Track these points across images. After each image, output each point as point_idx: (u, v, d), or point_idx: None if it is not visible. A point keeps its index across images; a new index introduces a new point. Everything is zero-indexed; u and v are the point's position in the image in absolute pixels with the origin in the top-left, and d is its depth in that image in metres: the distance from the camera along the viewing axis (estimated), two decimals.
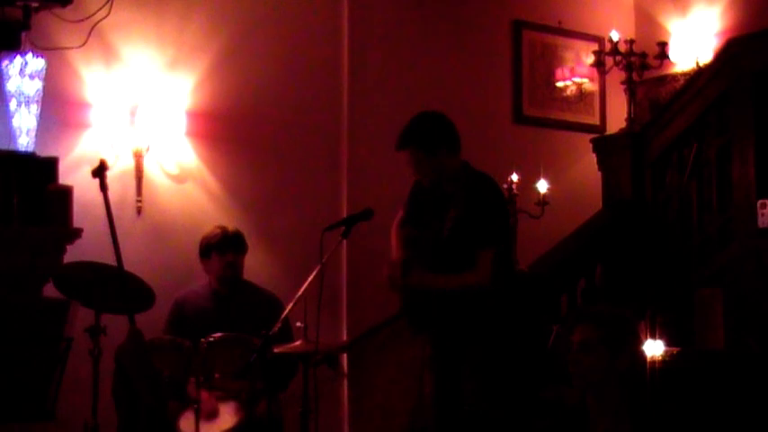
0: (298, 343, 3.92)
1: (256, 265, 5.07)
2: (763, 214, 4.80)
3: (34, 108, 4.74)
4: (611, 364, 3.00)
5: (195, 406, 4.01)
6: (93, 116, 5.13)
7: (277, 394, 4.38)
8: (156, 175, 5.29)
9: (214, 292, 4.75)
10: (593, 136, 6.18)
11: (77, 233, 4.71)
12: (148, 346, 3.99)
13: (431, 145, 4.00)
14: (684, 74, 6.43)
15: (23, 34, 4.74)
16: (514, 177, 5.67)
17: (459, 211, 3.98)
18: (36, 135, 4.76)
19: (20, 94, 4.70)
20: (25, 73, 4.69)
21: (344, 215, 5.41)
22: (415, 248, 4.07)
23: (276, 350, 3.86)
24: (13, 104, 4.71)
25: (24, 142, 4.72)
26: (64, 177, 4.77)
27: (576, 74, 6.64)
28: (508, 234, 4.12)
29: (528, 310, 4.27)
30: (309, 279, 3.86)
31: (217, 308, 4.69)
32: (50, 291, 4.25)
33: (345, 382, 5.66)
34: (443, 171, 4.04)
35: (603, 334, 3.02)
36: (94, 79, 5.14)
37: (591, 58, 6.40)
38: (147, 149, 5.17)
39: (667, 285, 5.24)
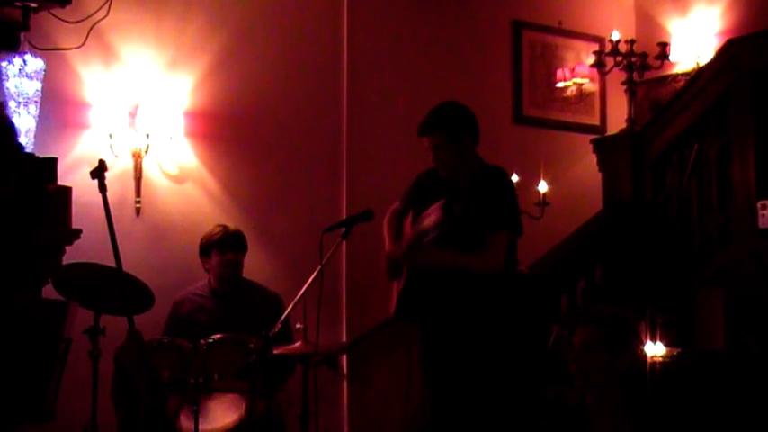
0: (297, 344, 3.92)
1: (256, 266, 5.06)
2: (763, 215, 4.80)
3: (33, 108, 4.73)
4: (611, 365, 3.00)
5: (194, 407, 4.01)
6: (93, 116, 5.13)
7: (277, 393, 4.38)
8: (155, 175, 5.28)
9: (214, 292, 4.75)
10: (593, 136, 6.18)
11: (76, 234, 4.70)
12: (148, 347, 3.98)
13: (454, 131, 3.99)
14: (685, 74, 6.43)
15: (22, 35, 4.74)
16: (515, 178, 5.65)
17: (464, 204, 3.95)
18: (35, 135, 4.75)
19: (19, 95, 4.69)
20: (24, 73, 4.68)
21: (344, 215, 5.41)
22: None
23: (276, 351, 3.86)
24: (12, 105, 4.70)
25: (23, 142, 4.71)
26: (63, 178, 4.76)
27: (576, 74, 6.63)
28: (519, 226, 4.07)
29: (528, 310, 4.24)
30: (309, 280, 3.85)
31: (217, 307, 4.70)
32: (50, 291, 4.24)
33: (345, 383, 5.65)
34: (463, 160, 4.01)
35: (604, 334, 3.02)
36: (93, 80, 5.13)
37: (591, 59, 6.41)
38: (147, 150, 5.16)
39: (667, 285, 5.24)
